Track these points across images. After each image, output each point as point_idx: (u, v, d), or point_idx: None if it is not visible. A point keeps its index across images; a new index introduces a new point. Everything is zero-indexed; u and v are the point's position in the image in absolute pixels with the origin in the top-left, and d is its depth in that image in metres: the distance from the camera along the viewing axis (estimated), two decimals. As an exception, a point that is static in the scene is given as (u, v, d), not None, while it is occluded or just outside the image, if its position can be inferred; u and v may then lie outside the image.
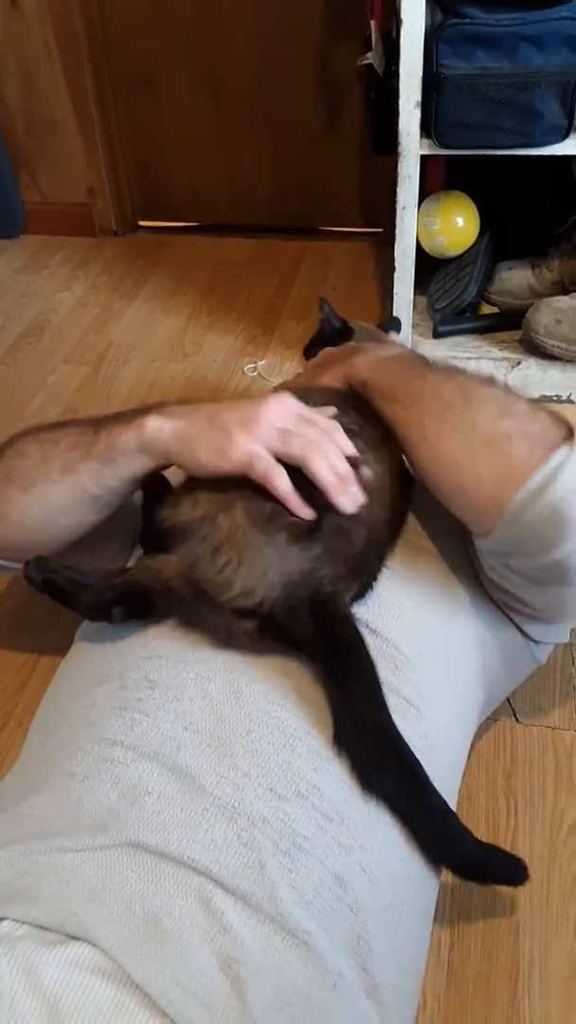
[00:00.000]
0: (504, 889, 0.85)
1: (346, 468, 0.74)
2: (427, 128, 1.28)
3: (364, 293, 1.84)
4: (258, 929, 0.57)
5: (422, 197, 1.41)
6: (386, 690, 0.71)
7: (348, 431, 0.78)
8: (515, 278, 1.57)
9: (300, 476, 0.73)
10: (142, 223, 2.11)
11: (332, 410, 0.79)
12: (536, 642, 0.89)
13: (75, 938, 0.54)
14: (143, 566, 0.78)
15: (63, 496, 0.79)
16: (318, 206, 2.03)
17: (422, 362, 0.85)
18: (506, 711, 1.01)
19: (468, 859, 0.70)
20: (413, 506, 0.84)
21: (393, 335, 1.18)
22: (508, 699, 1.01)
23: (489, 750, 0.98)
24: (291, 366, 1.63)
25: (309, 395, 0.82)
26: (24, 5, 1.79)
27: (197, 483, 0.78)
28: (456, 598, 0.81)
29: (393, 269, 1.43)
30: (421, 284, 1.50)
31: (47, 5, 1.77)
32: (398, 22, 1.21)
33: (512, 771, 0.96)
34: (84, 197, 2.02)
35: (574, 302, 1.45)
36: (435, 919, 0.76)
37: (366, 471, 0.77)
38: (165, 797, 0.63)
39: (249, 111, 1.92)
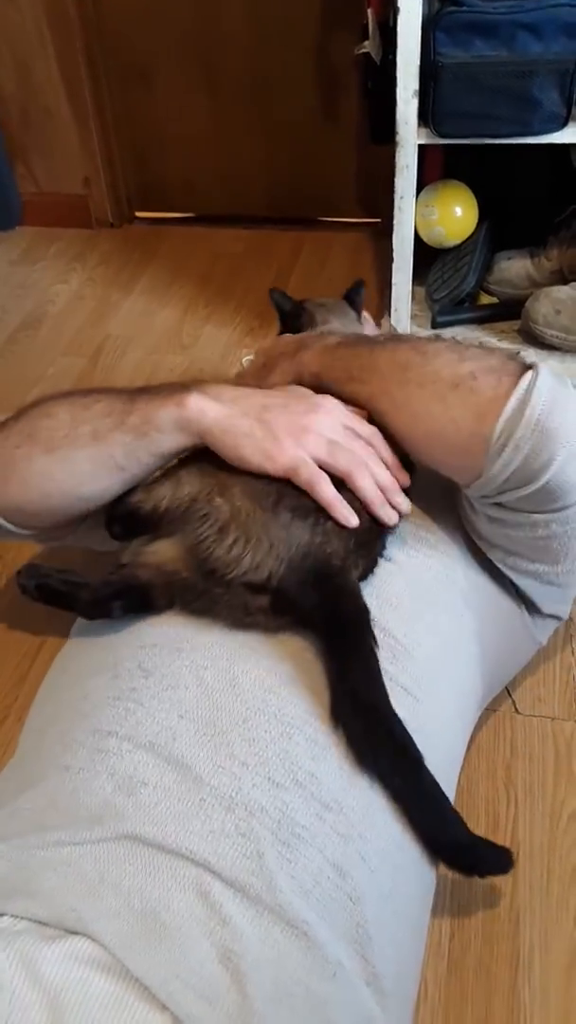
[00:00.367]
0: (504, 878, 0.85)
1: (388, 480, 0.76)
2: (425, 117, 1.27)
3: (362, 284, 1.83)
4: (257, 920, 0.57)
5: (420, 187, 1.40)
6: (384, 678, 0.71)
7: None
8: (514, 268, 1.57)
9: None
10: (138, 214, 2.10)
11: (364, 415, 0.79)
12: (538, 611, 0.88)
13: (74, 932, 0.54)
14: (138, 560, 0.78)
15: (89, 463, 0.77)
16: (315, 196, 2.02)
17: (367, 339, 0.86)
18: (506, 701, 1.01)
19: (456, 845, 0.70)
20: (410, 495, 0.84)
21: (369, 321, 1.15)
22: (507, 689, 1.01)
23: (489, 741, 0.98)
24: (289, 358, 1.63)
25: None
26: (19, -5, 1.78)
27: (178, 465, 0.78)
28: (454, 586, 0.81)
29: (391, 260, 1.43)
30: (419, 274, 1.49)
31: (42, -5, 1.76)
32: (395, 10, 1.20)
33: (512, 762, 0.96)
34: (80, 188, 2.01)
35: (573, 292, 1.44)
36: (436, 908, 0.76)
37: (404, 477, 0.78)
38: (161, 788, 0.62)
39: (246, 101, 1.91)
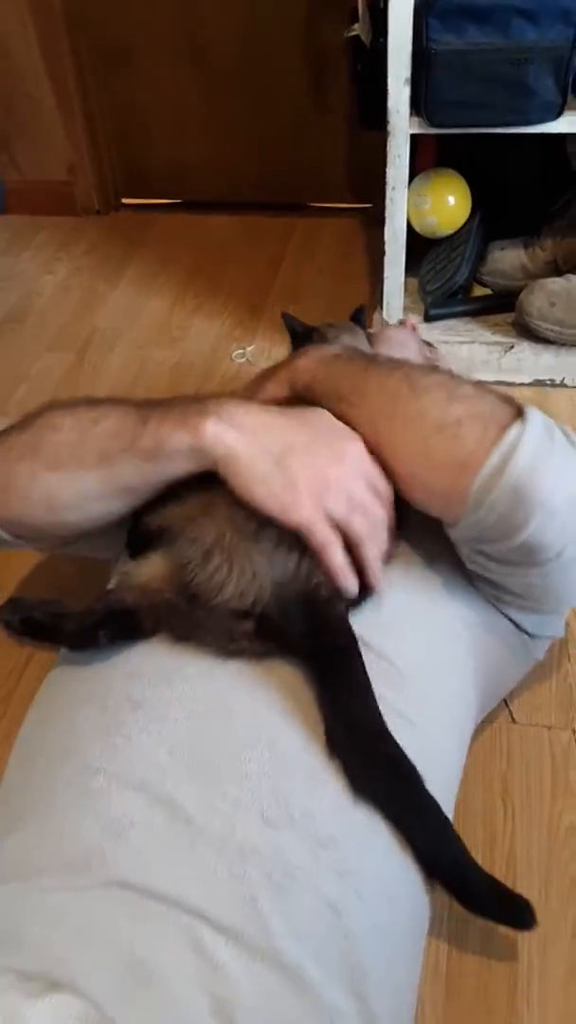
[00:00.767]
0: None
1: (388, 546, 0.74)
2: (417, 106, 1.24)
3: (354, 274, 1.80)
4: (250, 967, 0.55)
5: (412, 175, 1.37)
6: (380, 705, 0.70)
7: None
8: (507, 258, 1.54)
9: None
10: (125, 201, 2.06)
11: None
12: (532, 636, 0.87)
13: (61, 986, 0.53)
14: (125, 583, 0.76)
15: (97, 484, 0.73)
16: (306, 181, 1.98)
17: (363, 356, 0.83)
18: (503, 711, 0.99)
19: (464, 879, 0.69)
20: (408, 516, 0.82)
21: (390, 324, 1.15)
22: (504, 698, 0.99)
23: (485, 752, 0.96)
24: (280, 351, 1.60)
25: None
26: (-4, -24, 1.72)
27: (181, 484, 0.76)
28: (450, 607, 0.79)
29: (383, 249, 1.39)
30: (412, 265, 1.46)
31: (20, -25, 1.71)
32: (385, -6, 1.17)
33: (508, 773, 0.95)
34: (65, 175, 1.97)
35: (568, 284, 1.41)
36: (432, 928, 0.75)
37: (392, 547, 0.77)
38: (151, 830, 0.61)
39: (234, 82, 1.86)
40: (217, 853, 0.60)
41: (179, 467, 0.72)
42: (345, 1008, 0.58)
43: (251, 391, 0.88)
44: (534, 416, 0.68)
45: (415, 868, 0.67)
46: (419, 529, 0.81)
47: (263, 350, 1.61)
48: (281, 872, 0.60)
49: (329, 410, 0.78)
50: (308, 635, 0.69)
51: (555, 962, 0.81)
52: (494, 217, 1.56)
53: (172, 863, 0.59)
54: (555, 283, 1.42)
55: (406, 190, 1.33)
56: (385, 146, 1.29)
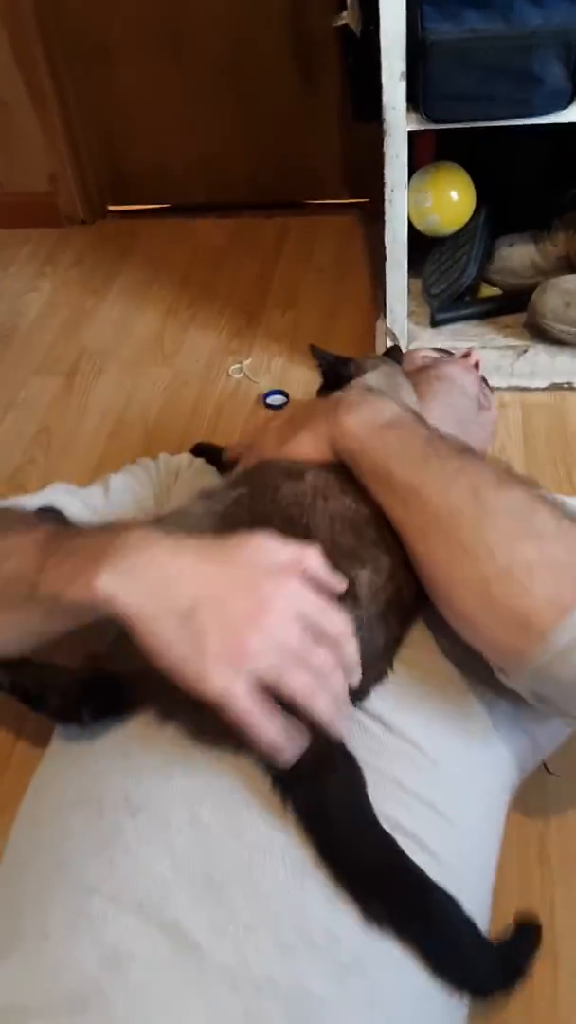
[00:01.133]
0: (545, 966, 0.78)
1: (346, 695, 0.60)
2: (414, 101, 1.15)
3: (353, 275, 1.71)
4: None
5: (412, 170, 1.28)
6: (406, 796, 0.62)
7: (347, 525, 0.69)
8: (517, 255, 1.45)
9: None
10: (111, 208, 1.97)
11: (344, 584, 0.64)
12: None
13: None
14: (116, 644, 0.69)
15: (9, 631, 0.66)
16: (298, 178, 1.89)
17: (422, 434, 0.71)
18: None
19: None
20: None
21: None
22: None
23: (519, 811, 0.89)
24: (278, 363, 1.52)
25: (288, 478, 0.71)
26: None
27: None
28: (481, 672, 0.71)
29: (384, 249, 1.30)
30: (414, 266, 1.36)
31: (-14, -27, 1.62)
32: (374, -19, 1.07)
33: (545, 832, 0.88)
34: (46, 184, 1.88)
35: (583, 281, 1.32)
36: (471, 1012, 0.68)
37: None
38: (153, 962, 0.54)
39: (218, 77, 1.77)
40: (229, 988, 0.53)
41: (84, 619, 0.62)
42: None
43: (283, 436, 0.78)
44: None
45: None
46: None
47: (261, 363, 1.52)
48: (303, 1006, 0.53)
49: (372, 491, 0.70)
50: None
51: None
52: (500, 211, 1.46)
53: (179, 1002, 0.52)
54: (570, 281, 1.33)
55: (406, 191, 1.24)
56: (381, 140, 1.20)
